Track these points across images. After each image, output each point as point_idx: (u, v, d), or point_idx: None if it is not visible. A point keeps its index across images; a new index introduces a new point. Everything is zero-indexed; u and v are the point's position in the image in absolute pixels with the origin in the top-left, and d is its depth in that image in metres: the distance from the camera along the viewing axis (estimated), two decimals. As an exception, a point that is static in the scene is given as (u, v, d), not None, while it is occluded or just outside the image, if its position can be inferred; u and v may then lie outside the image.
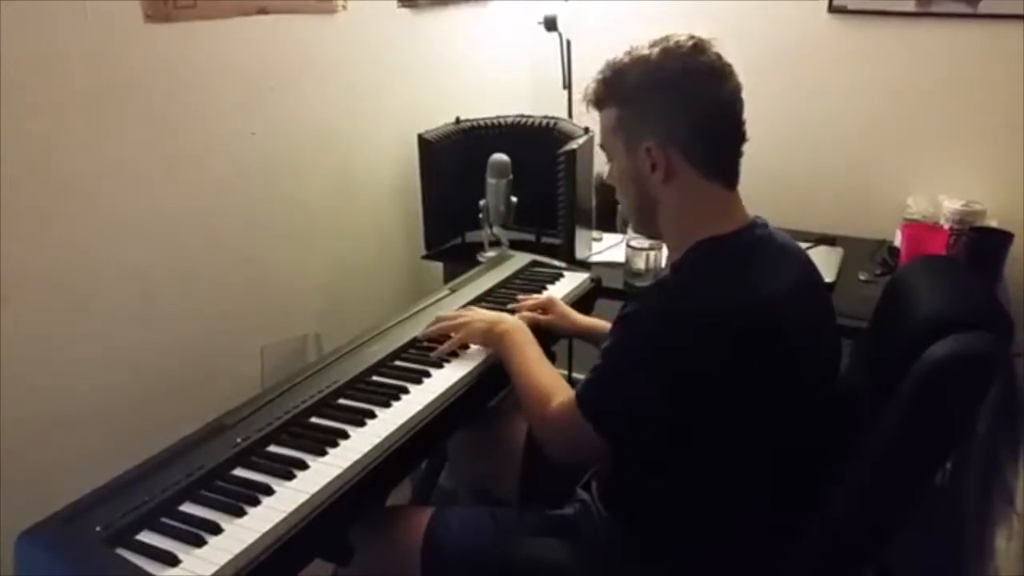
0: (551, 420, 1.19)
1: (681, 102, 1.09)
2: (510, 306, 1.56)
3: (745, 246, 1.12)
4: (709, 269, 1.10)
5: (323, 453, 1.10)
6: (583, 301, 1.71)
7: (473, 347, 1.41)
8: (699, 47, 1.10)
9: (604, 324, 1.54)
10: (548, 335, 1.52)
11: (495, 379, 1.39)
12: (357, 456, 1.10)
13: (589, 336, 1.54)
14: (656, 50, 1.10)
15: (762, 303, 1.05)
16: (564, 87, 2.39)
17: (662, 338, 1.06)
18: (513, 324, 1.37)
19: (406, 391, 1.26)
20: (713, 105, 1.10)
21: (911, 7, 2.08)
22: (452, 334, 1.40)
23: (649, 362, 1.07)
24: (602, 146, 1.21)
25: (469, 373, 1.34)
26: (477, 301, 1.59)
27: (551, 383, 1.24)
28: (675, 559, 1.15)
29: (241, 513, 0.98)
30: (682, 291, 1.09)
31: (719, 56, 1.11)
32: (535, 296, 1.60)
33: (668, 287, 1.13)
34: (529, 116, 2.16)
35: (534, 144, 2.08)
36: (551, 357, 1.79)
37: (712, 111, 1.10)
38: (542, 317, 1.50)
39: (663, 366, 1.05)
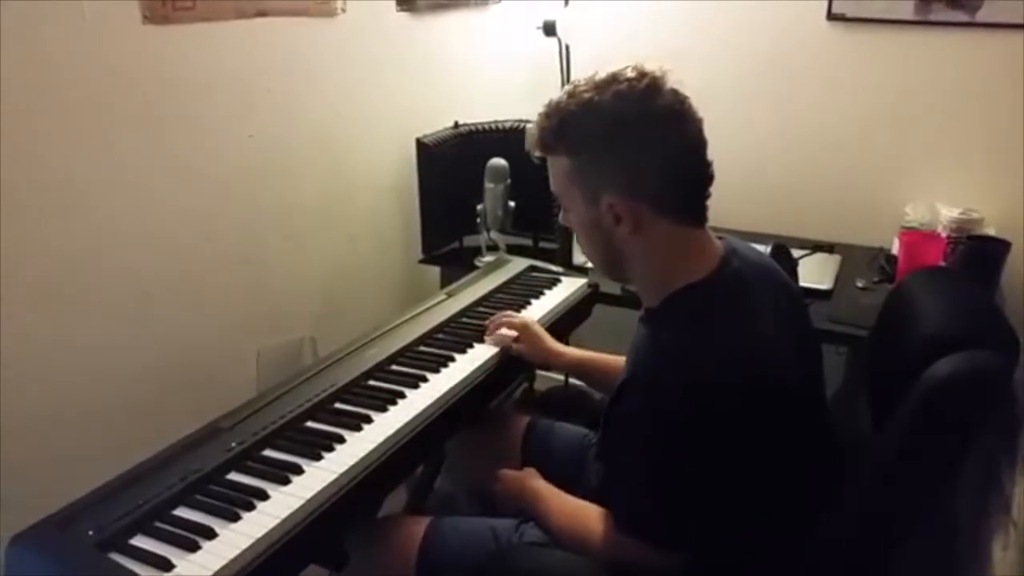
0: (609, 556, 1.11)
1: (642, 152, 1.00)
2: (488, 320, 1.49)
3: (726, 288, 1.05)
4: (698, 329, 1.02)
5: (319, 458, 1.10)
6: (580, 306, 1.71)
7: (471, 353, 1.40)
8: (654, 86, 0.99)
9: (580, 353, 1.47)
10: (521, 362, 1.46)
11: (493, 383, 1.39)
12: (353, 461, 1.09)
13: (568, 370, 1.47)
14: (607, 95, 0.99)
15: (761, 348, 1.00)
16: (563, 92, 2.38)
17: (679, 418, 0.97)
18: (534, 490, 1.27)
19: (403, 395, 1.26)
20: (677, 150, 1.01)
21: (909, 15, 2.08)
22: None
23: (678, 448, 0.99)
24: (555, 192, 1.10)
25: (467, 377, 1.33)
26: (474, 306, 1.59)
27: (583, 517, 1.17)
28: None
29: (236, 518, 0.98)
30: (679, 363, 1.00)
31: (675, 92, 1.01)
32: (513, 315, 1.50)
33: (660, 363, 1.04)
34: (528, 121, 2.14)
35: (532, 149, 2.07)
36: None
37: (677, 157, 1.01)
38: (515, 346, 1.43)
39: (692, 444, 0.97)
